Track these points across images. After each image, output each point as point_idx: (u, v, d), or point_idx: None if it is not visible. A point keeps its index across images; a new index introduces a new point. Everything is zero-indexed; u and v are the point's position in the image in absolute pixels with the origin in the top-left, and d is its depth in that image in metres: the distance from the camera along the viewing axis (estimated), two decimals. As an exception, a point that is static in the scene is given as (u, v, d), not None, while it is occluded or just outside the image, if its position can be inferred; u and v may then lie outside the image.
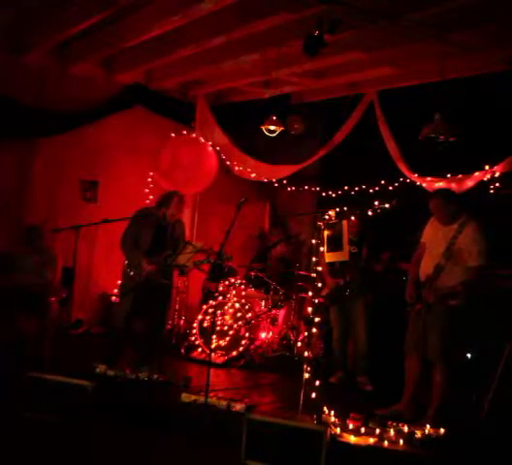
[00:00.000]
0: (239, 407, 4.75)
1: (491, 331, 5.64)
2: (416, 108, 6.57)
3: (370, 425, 4.55)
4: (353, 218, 6.12)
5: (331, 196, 7.71)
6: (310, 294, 5.50)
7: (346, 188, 7.44)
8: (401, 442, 4.39)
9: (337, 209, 5.38)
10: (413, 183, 6.69)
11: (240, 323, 6.98)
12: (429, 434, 4.57)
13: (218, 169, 8.29)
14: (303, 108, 8.39)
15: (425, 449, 4.37)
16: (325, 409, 4.75)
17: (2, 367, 5.37)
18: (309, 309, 5.04)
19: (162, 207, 5.87)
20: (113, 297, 7.58)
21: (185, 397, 4.93)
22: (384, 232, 6.61)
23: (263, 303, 7.42)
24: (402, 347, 5.18)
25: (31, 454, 4.02)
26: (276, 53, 6.37)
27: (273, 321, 7.45)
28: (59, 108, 7.56)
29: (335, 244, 5.17)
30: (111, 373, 5.40)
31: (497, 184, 5.96)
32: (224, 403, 4.77)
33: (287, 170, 8.11)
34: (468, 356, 5.92)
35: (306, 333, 6.01)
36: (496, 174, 5.93)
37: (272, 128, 7.12)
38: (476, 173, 6.12)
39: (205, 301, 7.74)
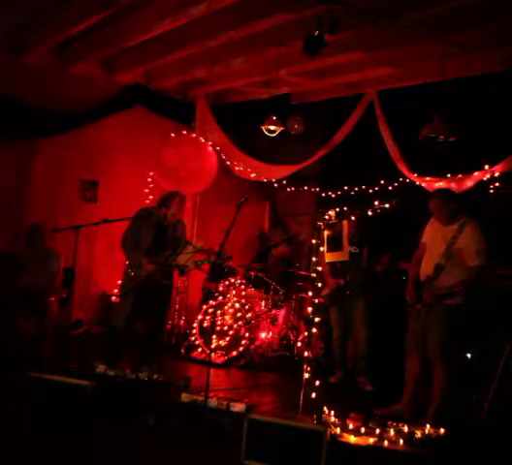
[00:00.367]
0: (239, 407, 4.74)
1: (491, 331, 5.64)
2: (416, 108, 6.57)
3: (370, 425, 4.55)
4: (353, 218, 6.12)
5: (330, 196, 7.71)
6: (310, 294, 5.50)
7: (346, 188, 7.43)
8: (401, 442, 4.39)
9: (337, 209, 5.38)
10: (413, 183, 6.68)
11: (239, 323, 6.98)
12: (429, 434, 4.58)
13: (218, 169, 8.29)
14: (302, 108, 8.40)
15: (425, 449, 4.37)
16: (325, 409, 4.76)
17: (2, 367, 5.37)
18: (309, 309, 5.05)
19: (163, 207, 5.87)
20: (113, 297, 7.58)
21: (185, 397, 4.92)
22: (384, 232, 6.61)
23: (263, 303, 7.42)
24: (402, 347, 5.19)
25: (31, 454, 4.02)
26: (276, 53, 6.37)
27: (273, 321, 7.45)
28: (59, 108, 7.56)
29: (335, 244, 5.18)
30: (111, 373, 5.39)
31: (497, 184, 5.97)
32: (224, 403, 4.76)
33: (287, 170, 8.11)
34: (468, 355, 5.92)
35: (306, 333, 6.01)
36: (496, 174, 5.93)
37: (271, 128, 7.12)
38: (476, 173, 6.11)
39: (205, 301, 7.73)
